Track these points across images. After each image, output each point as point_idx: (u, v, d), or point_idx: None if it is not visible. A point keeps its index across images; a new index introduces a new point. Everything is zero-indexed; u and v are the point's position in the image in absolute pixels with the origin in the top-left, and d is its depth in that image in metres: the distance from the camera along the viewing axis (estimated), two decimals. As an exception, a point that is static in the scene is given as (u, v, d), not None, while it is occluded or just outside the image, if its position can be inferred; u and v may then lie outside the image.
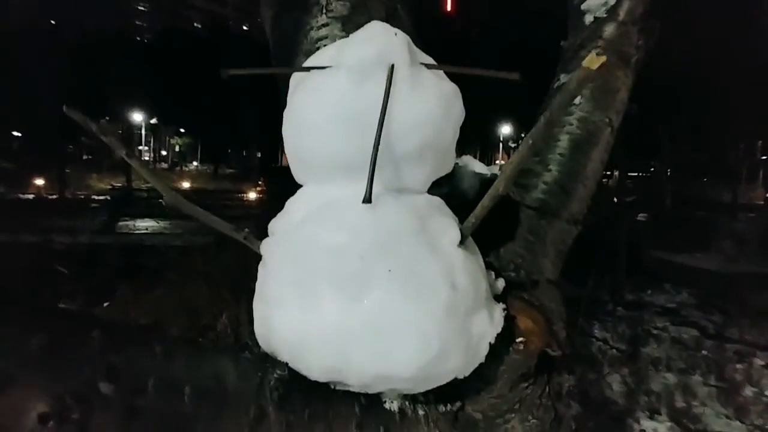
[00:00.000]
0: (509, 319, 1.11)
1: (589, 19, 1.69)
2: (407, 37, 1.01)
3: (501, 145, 34.26)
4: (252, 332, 1.05)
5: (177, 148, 50.14)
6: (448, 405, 1.14)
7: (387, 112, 0.92)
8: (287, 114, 1.04)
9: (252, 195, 21.42)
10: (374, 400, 1.05)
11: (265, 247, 1.03)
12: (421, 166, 1.01)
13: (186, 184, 28.99)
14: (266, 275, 1.01)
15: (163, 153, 51.09)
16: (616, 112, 1.64)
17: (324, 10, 1.42)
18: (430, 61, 1.04)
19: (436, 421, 1.10)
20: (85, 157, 38.06)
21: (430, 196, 1.06)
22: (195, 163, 49.00)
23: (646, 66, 1.72)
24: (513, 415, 1.22)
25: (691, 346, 5.28)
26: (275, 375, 0.99)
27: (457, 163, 1.42)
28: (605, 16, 1.65)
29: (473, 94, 1.45)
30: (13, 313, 0.90)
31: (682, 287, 7.52)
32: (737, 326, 5.76)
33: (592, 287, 5.50)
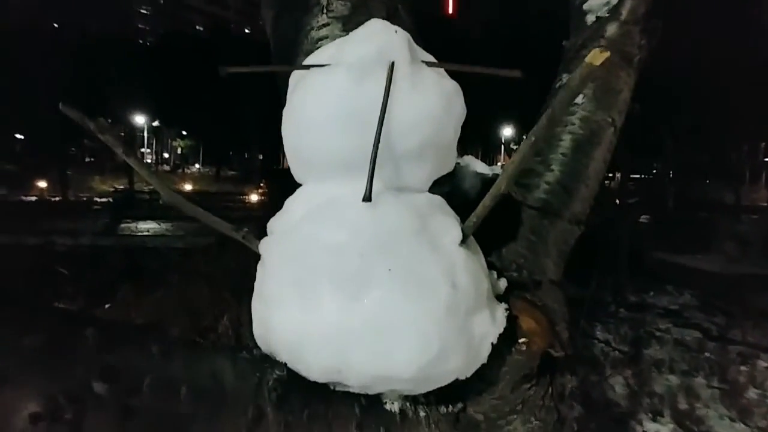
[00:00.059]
0: (512, 320, 1.10)
1: (591, 18, 1.68)
2: (407, 35, 1.00)
3: (503, 146, 34.27)
4: (253, 333, 1.04)
5: (179, 151, 50.20)
6: (450, 406, 1.13)
7: (387, 110, 0.91)
8: (287, 112, 1.03)
9: (254, 197, 21.49)
10: (374, 400, 1.04)
11: (264, 247, 1.02)
12: (422, 164, 1.00)
13: (188, 187, 29.06)
14: (265, 275, 1.00)
15: (166, 155, 51.07)
16: (619, 112, 1.63)
17: (325, 10, 1.42)
18: (431, 58, 1.03)
19: (437, 422, 1.09)
20: (87, 159, 38.18)
21: (431, 194, 1.05)
22: (197, 166, 49.06)
23: (648, 66, 1.71)
24: (515, 416, 1.21)
25: (694, 348, 5.25)
26: (274, 375, 0.98)
27: (458, 163, 1.41)
28: (607, 15, 1.65)
29: (475, 95, 1.45)
30: (12, 313, 0.89)
31: (684, 289, 7.49)
32: (740, 328, 5.74)
33: (594, 289, 5.48)
